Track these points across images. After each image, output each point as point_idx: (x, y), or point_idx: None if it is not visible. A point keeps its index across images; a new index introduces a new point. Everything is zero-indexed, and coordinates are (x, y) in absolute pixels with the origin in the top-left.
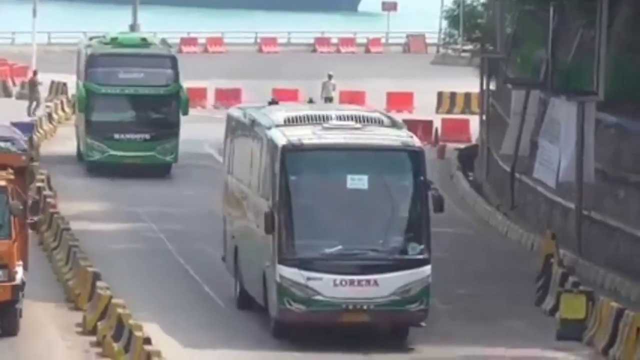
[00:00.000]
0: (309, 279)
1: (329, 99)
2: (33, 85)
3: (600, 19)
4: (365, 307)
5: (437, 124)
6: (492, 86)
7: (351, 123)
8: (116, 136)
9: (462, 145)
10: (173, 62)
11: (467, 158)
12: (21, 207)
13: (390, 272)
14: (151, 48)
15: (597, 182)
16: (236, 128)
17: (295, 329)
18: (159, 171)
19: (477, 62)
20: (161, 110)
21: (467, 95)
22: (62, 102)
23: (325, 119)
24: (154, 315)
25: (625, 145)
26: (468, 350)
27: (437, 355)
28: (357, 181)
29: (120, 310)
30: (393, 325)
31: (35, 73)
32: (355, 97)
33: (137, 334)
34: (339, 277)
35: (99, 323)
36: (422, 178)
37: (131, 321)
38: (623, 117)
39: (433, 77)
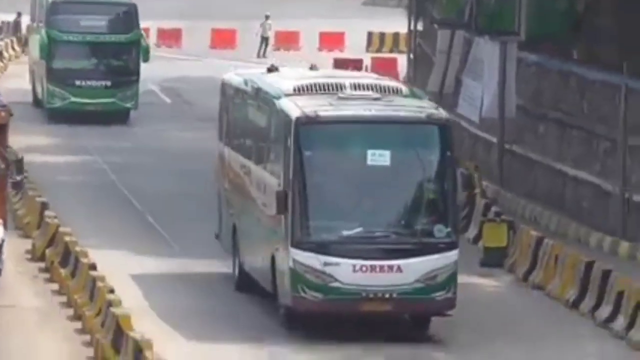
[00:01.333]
0: (325, 264)
1: (265, 39)
2: (17, 26)
3: None
4: (387, 295)
5: (367, 62)
6: (420, 26)
7: (369, 93)
8: (77, 83)
9: None
10: (133, 9)
11: None
12: (2, 165)
13: (414, 257)
14: None
15: (518, 117)
16: (235, 96)
17: (309, 318)
18: (118, 117)
19: (406, 3)
20: (122, 58)
21: (396, 35)
22: (12, 41)
23: (340, 88)
24: (99, 242)
25: (545, 83)
26: None
27: None
28: (379, 157)
29: (67, 238)
30: (416, 314)
31: (19, 15)
32: (289, 37)
33: (83, 260)
34: (358, 262)
35: (47, 250)
36: (449, 154)
37: (77, 248)
38: (543, 56)
39: (363, 18)
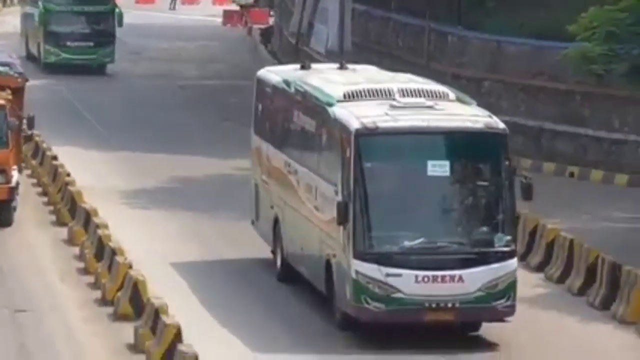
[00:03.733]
0: (388, 275)
1: (173, 1)
2: None
3: None
4: (449, 305)
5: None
6: None
7: (420, 100)
8: (68, 43)
9: (263, 26)
10: None
11: (266, 35)
12: (17, 122)
13: (475, 266)
14: None
15: (354, 50)
16: (274, 95)
17: (372, 327)
18: (98, 69)
19: None
20: (102, 23)
21: None
22: None
23: (388, 93)
24: (60, 140)
25: (372, 25)
26: None
27: None
28: (438, 168)
29: (36, 138)
30: (477, 323)
31: None
32: None
33: (48, 153)
34: (420, 273)
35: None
36: (507, 162)
37: (44, 145)
38: (370, 7)
39: None
